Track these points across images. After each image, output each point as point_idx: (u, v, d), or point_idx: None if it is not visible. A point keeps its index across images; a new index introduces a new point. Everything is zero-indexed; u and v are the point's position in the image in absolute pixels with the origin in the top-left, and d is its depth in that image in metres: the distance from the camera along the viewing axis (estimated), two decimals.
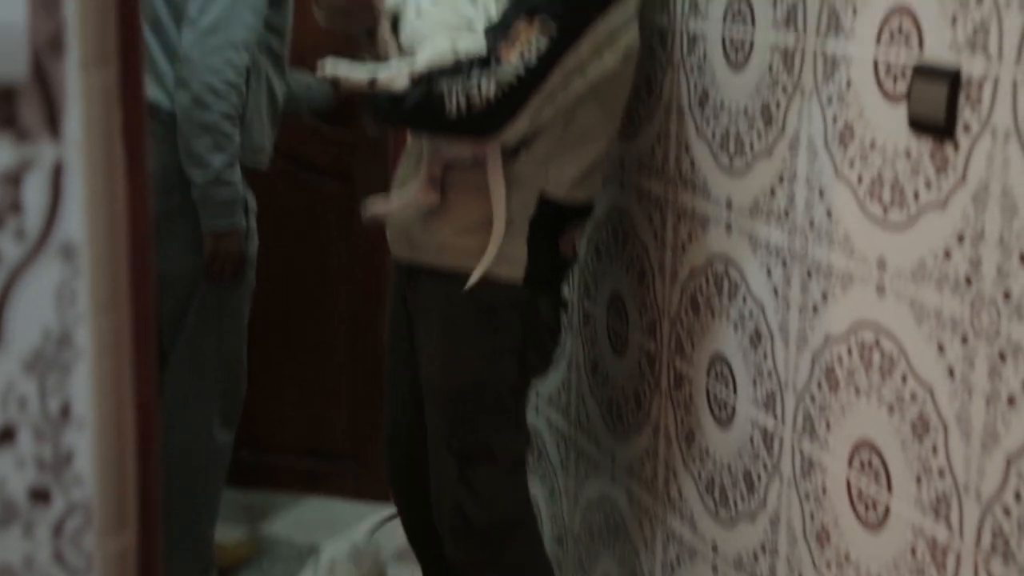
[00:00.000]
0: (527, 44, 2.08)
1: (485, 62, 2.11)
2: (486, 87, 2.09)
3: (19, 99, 0.99)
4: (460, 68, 2.11)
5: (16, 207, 1.01)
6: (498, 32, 2.12)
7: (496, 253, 2.19)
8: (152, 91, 2.77)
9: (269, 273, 3.26)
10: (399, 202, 2.30)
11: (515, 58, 2.09)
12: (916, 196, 1.66)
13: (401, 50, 2.23)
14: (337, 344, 3.80)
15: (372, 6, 2.22)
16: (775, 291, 2.01)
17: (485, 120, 2.12)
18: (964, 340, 1.58)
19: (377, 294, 3.47)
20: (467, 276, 2.20)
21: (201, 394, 2.99)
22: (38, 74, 0.99)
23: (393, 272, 2.48)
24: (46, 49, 0.99)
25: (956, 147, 1.57)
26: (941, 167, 1.60)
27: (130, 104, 1.05)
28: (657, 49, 2.34)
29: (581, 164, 2.24)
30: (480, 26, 2.20)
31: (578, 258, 2.43)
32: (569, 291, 2.74)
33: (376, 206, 2.35)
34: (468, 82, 2.09)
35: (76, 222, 1.02)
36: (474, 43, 2.16)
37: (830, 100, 1.83)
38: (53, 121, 1.00)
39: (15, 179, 1.00)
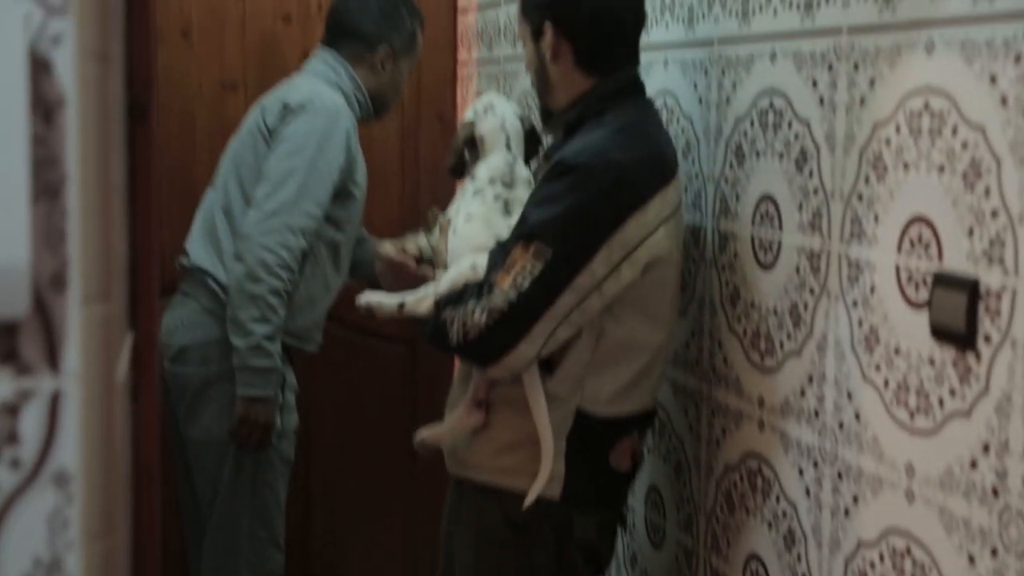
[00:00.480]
0: (521, 270, 2.06)
1: (481, 290, 2.12)
2: (479, 315, 2.09)
3: (20, 333, 1.02)
4: (462, 295, 2.13)
5: (13, 437, 1.03)
6: (498, 257, 2.13)
7: (545, 470, 2.15)
8: (210, 262, 3.02)
9: (332, 443, 3.31)
10: (447, 427, 2.32)
11: (507, 285, 2.07)
12: (941, 403, 1.63)
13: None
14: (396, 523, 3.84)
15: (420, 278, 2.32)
16: (807, 491, 1.97)
17: (481, 349, 2.12)
18: (994, 553, 1.53)
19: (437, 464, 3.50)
20: (503, 492, 2.20)
21: (231, 565, 3.01)
22: (39, 309, 1.02)
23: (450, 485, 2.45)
24: (48, 285, 1.02)
25: (978, 357, 1.56)
26: (964, 376, 1.58)
27: (142, 339, 1.07)
28: (690, 246, 2.36)
29: (621, 378, 2.18)
30: None
31: (639, 470, 2.34)
32: (630, 507, 2.63)
33: (426, 433, 2.37)
34: (464, 310, 2.11)
35: (71, 451, 1.03)
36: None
37: (855, 304, 1.83)
38: (53, 354, 1.03)
39: (13, 410, 1.03)
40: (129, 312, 1.10)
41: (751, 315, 2.14)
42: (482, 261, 2.18)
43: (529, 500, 2.15)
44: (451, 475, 2.38)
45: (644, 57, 2.49)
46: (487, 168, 2.33)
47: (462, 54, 3.88)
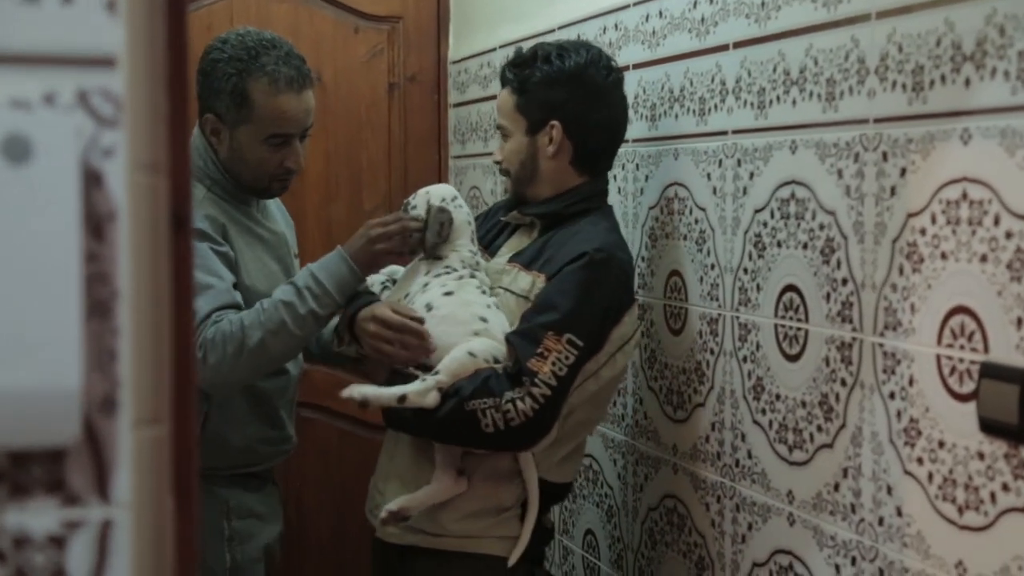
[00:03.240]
0: (557, 360, 2.17)
1: (517, 379, 2.17)
2: (522, 404, 2.16)
3: (68, 461, 0.96)
4: (490, 385, 2.17)
5: (60, 572, 0.96)
6: (524, 344, 2.19)
7: (527, 533, 2.29)
8: None
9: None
10: (424, 495, 2.28)
11: (548, 373, 2.17)
12: (994, 499, 1.58)
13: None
14: None
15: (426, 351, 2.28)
16: None
17: (525, 434, 2.19)
18: None
19: None
20: (463, 556, 2.29)
21: None
22: (89, 435, 0.96)
23: (376, 551, 2.45)
24: (98, 410, 0.96)
25: None
26: (1019, 471, 1.53)
27: (182, 461, 1.01)
28: (707, 337, 2.32)
29: (569, 448, 2.35)
30: (495, 325, 2.26)
31: (553, 528, 2.54)
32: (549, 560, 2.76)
33: (402, 502, 2.28)
34: (501, 400, 2.16)
35: None
36: (491, 347, 2.22)
37: (892, 395, 1.78)
38: (102, 482, 0.96)
39: (60, 542, 0.96)
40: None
41: (777, 407, 2.09)
42: (479, 347, 2.23)
43: (512, 560, 2.28)
44: (389, 543, 2.37)
45: (651, 148, 2.48)
46: (458, 255, 2.36)
47: (455, 148, 3.87)
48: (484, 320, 2.26)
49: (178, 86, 1.05)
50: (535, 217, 2.40)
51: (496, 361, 2.22)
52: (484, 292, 2.32)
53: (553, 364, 2.17)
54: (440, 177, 3.87)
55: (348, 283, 2.36)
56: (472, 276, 2.34)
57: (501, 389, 2.17)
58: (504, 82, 2.40)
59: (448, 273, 2.34)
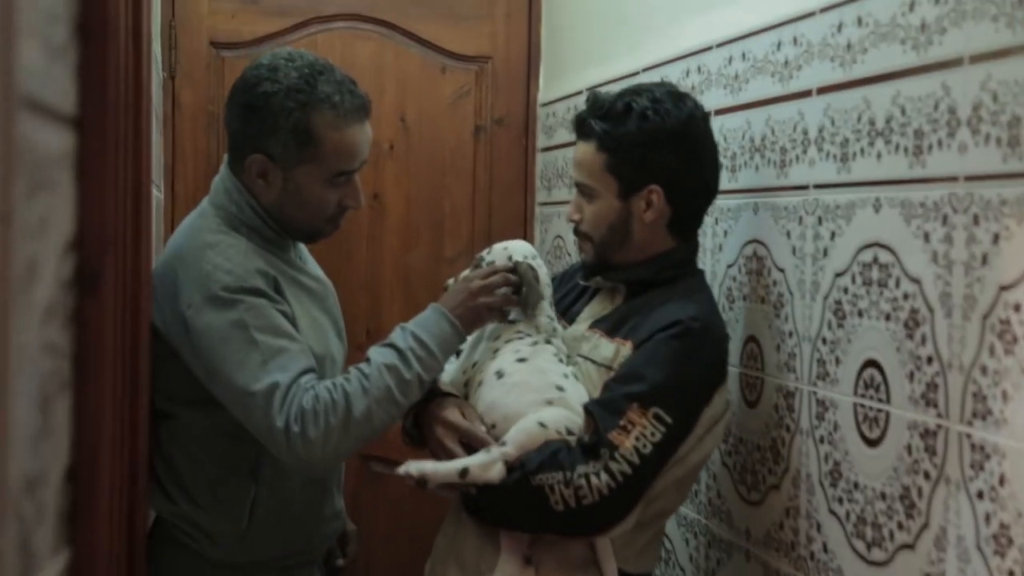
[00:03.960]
0: (641, 435, 1.95)
1: (594, 452, 1.95)
2: (597, 480, 1.94)
3: None
4: (560, 458, 1.96)
5: None
6: (605, 415, 1.97)
7: None
8: None
9: None
10: None
11: (629, 448, 1.94)
12: None
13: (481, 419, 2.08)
14: None
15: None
16: None
17: (599, 515, 1.96)
18: None
19: None
20: None
21: None
22: None
23: None
24: None
25: None
26: None
27: None
28: (784, 413, 2.10)
29: (650, 535, 2.11)
30: (572, 395, 2.04)
31: None
32: None
33: None
34: (572, 474, 1.94)
35: None
36: (564, 417, 2.01)
37: (981, 495, 1.54)
38: None
39: None
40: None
41: (855, 497, 1.86)
42: (550, 416, 2.02)
43: None
44: None
45: (731, 201, 2.27)
46: (534, 320, 2.16)
47: (541, 195, 3.70)
48: (560, 389, 2.05)
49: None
50: (622, 283, 2.18)
51: (570, 433, 2.00)
52: (561, 360, 2.11)
53: (636, 439, 1.94)
54: (526, 225, 3.71)
55: (451, 343, 2.11)
56: (548, 343, 2.14)
57: (573, 462, 1.95)
58: (585, 134, 2.13)
59: (521, 338, 2.13)
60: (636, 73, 2.82)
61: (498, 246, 2.29)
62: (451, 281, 2.30)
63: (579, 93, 3.31)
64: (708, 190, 2.16)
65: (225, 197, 2.18)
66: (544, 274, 2.21)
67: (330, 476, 2.26)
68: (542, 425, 2.00)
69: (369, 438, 2.09)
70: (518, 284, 2.16)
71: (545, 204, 3.64)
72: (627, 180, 2.10)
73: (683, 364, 1.99)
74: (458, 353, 2.24)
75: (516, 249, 2.25)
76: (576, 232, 2.21)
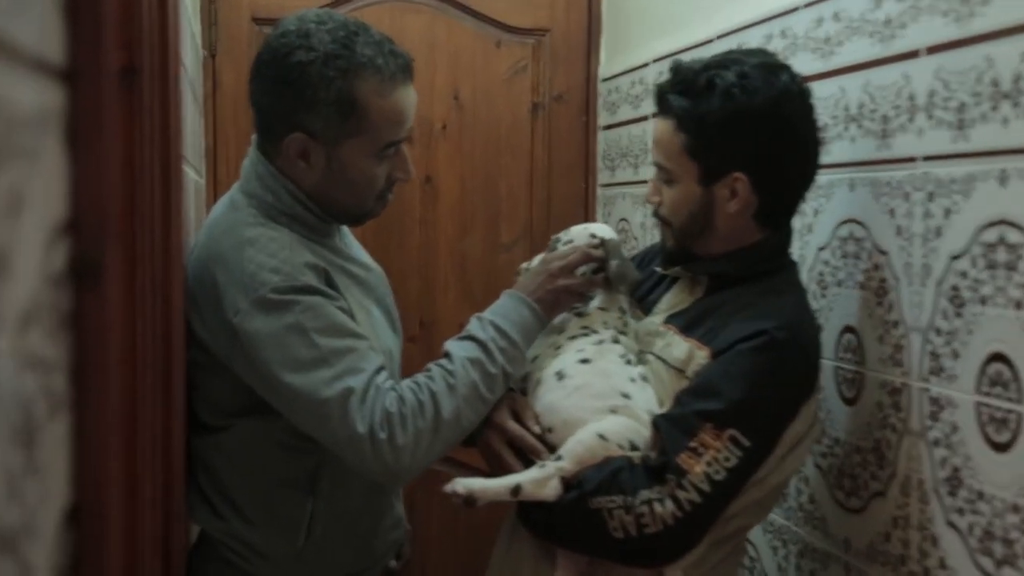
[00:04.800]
0: (715, 459, 1.74)
1: (659, 475, 1.75)
2: (661, 508, 1.73)
3: None
4: (621, 479, 1.76)
5: None
6: (674, 433, 1.77)
7: None
8: None
9: None
10: None
11: (700, 474, 1.74)
12: None
13: (538, 422, 1.89)
14: None
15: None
16: None
17: (663, 546, 1.75)
18: None
19: None
20: None
21: None
22: None
23: None
24: None
25: None
26: None
27: None
28: (889, 411, 1.88)
29: (726, 550, 1.89)
30: (639, 402, 1.85)
31: None
32: None
33: None
34: (634, 499, 1.74)
35: None
36: (628, 429, 1.82)
37: None
38: None
39: None
40: None
41: (979, 508, 1.64)
42: (612, 428, 1.82)
43: None
44: None
45: (822, 177, 2.05)
46: (603, 314, 1.97)
47: (603, 176, 3.48)
48: (626, 396, 1.84)
49: None
50: (707, 275, 1.96)
51: (633, 447, 1.80)
52: (629, 362, 1.90)
53: (708, 465, 1.73)
54: (587, 208, 3.49)
55: (533, 330, 1.93)
56: (615, 342, 1.93)
57: (635, 485, 1.74)
58: (665, 110, 1.90)
59: (587, 335, 1.94)
60: (710, 41, 2.60)
61: (576, 226, 2.09)
62: (524, 266, 2.11)
63: (644, 66, 3.09)
64: (803, 177, 1.91)
65: (259, 185, 1.96)
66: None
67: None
68: (603, 438, 1.80)
69: (457, 441, 1.90)
70: (601, 263, 1.96)
71: (608, 185, 3.42)
72: (708, 166, 1.87)
73: (766, 380, 1.78)
74: None
75: (597, 227, 2.06)
76: (655, 215, 2.00)
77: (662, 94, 1.91)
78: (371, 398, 1.82)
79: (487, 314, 1.94)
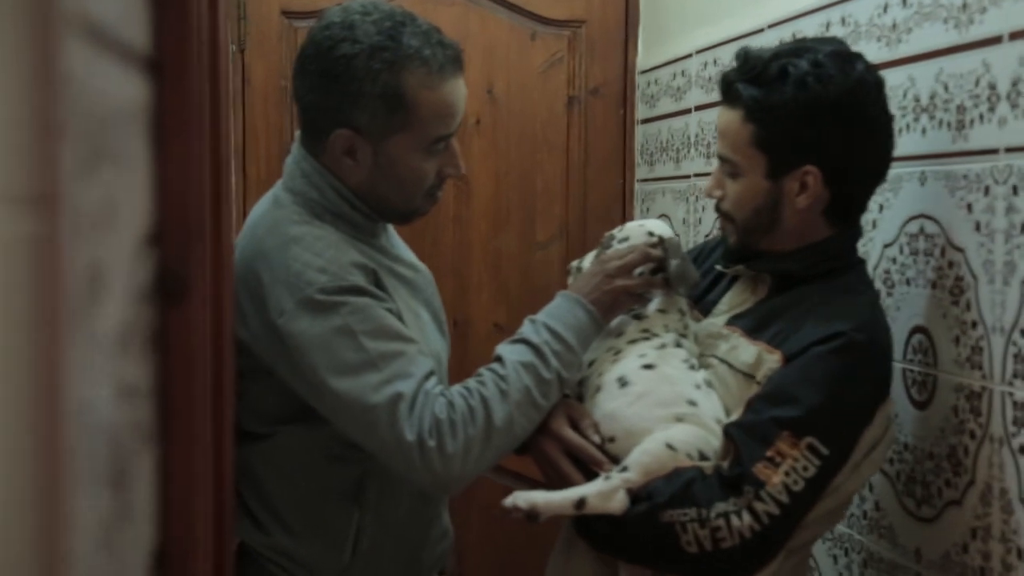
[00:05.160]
0: (792, 468, 1.67)
1: (735, 486, 1.67)
2: (739, 521, 1.66)
3: None
4: (694, 491, 1.68)
5: None
6: (750, 443, 1.69)
7: None
8: None
9: None
10: None
11: (778, 485, 1.66)
12: None
13: (598, 431, 1.81)
14: None
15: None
16: None
17: (738, 561, 1.67)
18: None
19: None
20: None
21: None
22: None
23: None
24: None
25: None
26: None
27: None
28: (966, 416, 1.79)
29: (796, 560, 1.82)
30: (706, 409, 1.76)
31: None
32: None
33: None
34: (709, 512, 1.66)
35: None
36: (697, 438, 1.73)
37: None
38: None
39: None
40: None
41: None
42: (680, 437, 1.73)
43: None
44: None
45: (891, 170, 1.96)
46: (663, 316, 1.88)
47: (641, 171, 3.39)
48: (692, 403, 1.76)
49: None
50: (771, 274, 1.88)
51: (703, 457, 1.72)
52: (692, 367, 1.82)
53: (787, 475, 1.65)
54: (624, 204, 3.41)
55: (589, 334, 1.84)
56: (678, 346, 1.84)
57: (710, 498, 1.66)
58: (732, 100, 1.82)
59: (647, 339, 1.85)
60: (760, 31, 2.51)
61: (632, 223, 2.00)
62: (575, 264, 2.02)
63: (687, 57, 3.00)
64: (877, 171, 1.83)
65: (303, 182, 1.88)
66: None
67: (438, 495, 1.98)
68: (671, 448, 1.71)
69: (509, 449, 1.82)
70: (660, 262, 1.87)
71: (646, 180, 3.33)
72: (778, 158, 1.78)
73: (844, 385, 1.70)
74: None
75: (654, 225, 1.97)
76: (717, 209, 1.91)
77: (729, 83, 1.82)
78: (420, 404, 1.74)
79: (541, 316, 1.85)
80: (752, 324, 1.83)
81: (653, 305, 1.90)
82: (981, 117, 1.76)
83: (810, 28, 2.28)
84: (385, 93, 1.81)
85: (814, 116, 1.74)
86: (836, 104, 1.74)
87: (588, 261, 1.98)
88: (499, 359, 1.82)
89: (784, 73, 1.75)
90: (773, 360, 1.75)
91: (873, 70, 1.79)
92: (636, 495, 1.70)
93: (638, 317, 1.89)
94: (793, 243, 1.84)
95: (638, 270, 1.87)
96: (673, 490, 1.67)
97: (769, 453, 1.66)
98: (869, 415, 1.73)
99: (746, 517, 1.65)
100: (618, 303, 1.87)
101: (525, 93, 3.36)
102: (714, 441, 1.74)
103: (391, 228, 2.04)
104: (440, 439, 1.73)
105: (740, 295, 1.92)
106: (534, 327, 1.83)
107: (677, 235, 1.96)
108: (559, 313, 1.84)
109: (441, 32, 1.87)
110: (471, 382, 1.80)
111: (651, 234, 1.93)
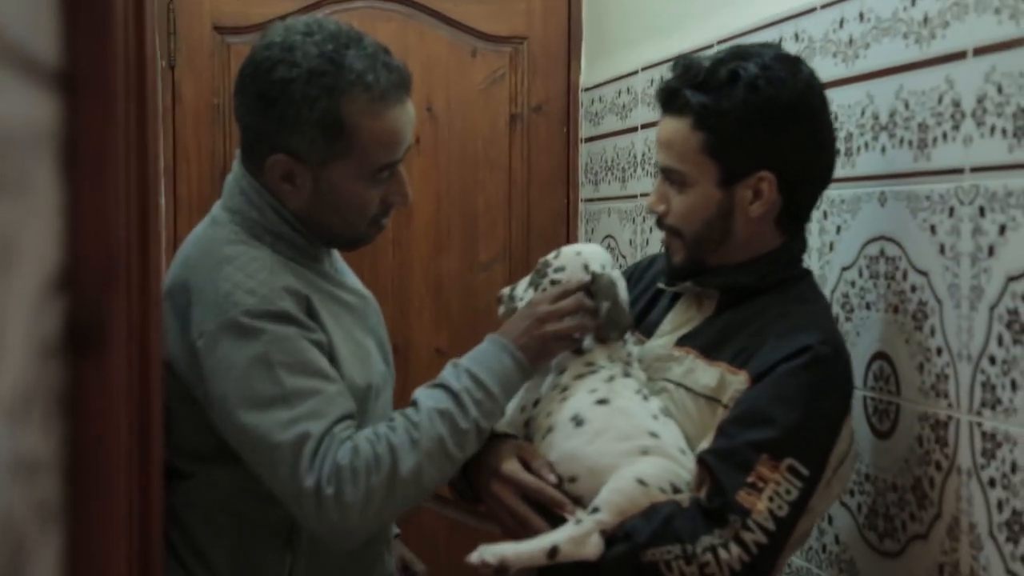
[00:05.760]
0: (775, 493, 1.60)
1: (719, 518, 1.59)
2: (727, 553, 1.58)
3: None
4: (676, 526, 1.60)
5: None
6: (728, 470, 1.61)
7: None
8: None
9: None
10: None
11: (763, 512, 1.59)
12: None
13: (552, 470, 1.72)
14: None
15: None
16: None
17: None
18: None
19: None
20: None
21: None
22: None
23: None
24: None
25: None
26: None
27: None
28: (931, 447, 1.73)
29: None
30: (669, 441, 1.69)
31: None
32: None
33: None
34: (694, 547, 1.58)
35: None
36: (666, 470, 1.66)
37: None
38: None
39: None
40: None
41: None
42: (650, 471, 1.65)
43: None
44: None
45: (846, 191, 1.91)
46: (605, 344, 1.80)
47: (586, 190, 3.32)
48: (654, 435, 1.68)
49: None
50: (719, 289, 1.80)
51: (675, 490, 1.64)
52: (645, 397, 1.74)
53: (771, 500, 1.59)
54: (569, 224, 3.33)
55: (515, 382, 1.76)
56: (626, 375, 1.76)
57: (693, 532, 1.59)
58: (677, 107, 1.74)
59: (595, 372, 1.76)
60: (709, 46, 2.45)
61: (568, 249, 1.90)
62: (506, 291, 1.93)
63: (632, 74, 2.94)
64: (826, 174, 1.80)
65: (242, 200, 1.79)
66: (624, 288, 1.84)
67: (378, 536, 1.87)
68: (642, 483, 1.63)
69: (416, 500, 1.74)
70: (595, 305, 1.78)
71: (591, 200, 3.26)
72: (731, 165, 1.72)
73: (818, 400, 1.65)
74: None
75: (592, 256, 1.87)
76: (661, 225, 1.83)
77: (672, 91, 1.75)
78: (324, 447, 1.65)
79: (464, 361, 1.76)
80: (706, 344, 1.76)
81: (591, 339, 1.81)
82: (944, 135, 1.70)
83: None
84: (324, 120, 1.73)
85: (767, 120, 1.69)
86: (788, 107, 1.70)
87: (521, 288, 1.89)
88: (414, 403, 1.73)
89: (734, 77, 1.69)
90: (739, 381, 1.67)
91: (814, 73, 1.77)
92: (611, 536, 1.61)
93: (579, 351, 1.80)
94: (743, 255, 1.78)
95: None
96: (653, 527, 1.59)
97: (750, 479, 1.60)
98: (838, 429, 1.68)
99: (734, 549, 1.58)
100: (547, 349, 1.78)
101: (466, 111, 3.27)
102: (683, 472, 1.66)
103: (336, 252, 1.95)
104: (339, 487, 1.64)
105: (684, 313, 1.85)
106: (455, 372, 1.74)
107: (618, 263, 1.88)
108: (484, 358, 1.75)
109: (390, 54, 1.79)
110: (382, 427, 1.71)
111: (586, 267, 1.83)
